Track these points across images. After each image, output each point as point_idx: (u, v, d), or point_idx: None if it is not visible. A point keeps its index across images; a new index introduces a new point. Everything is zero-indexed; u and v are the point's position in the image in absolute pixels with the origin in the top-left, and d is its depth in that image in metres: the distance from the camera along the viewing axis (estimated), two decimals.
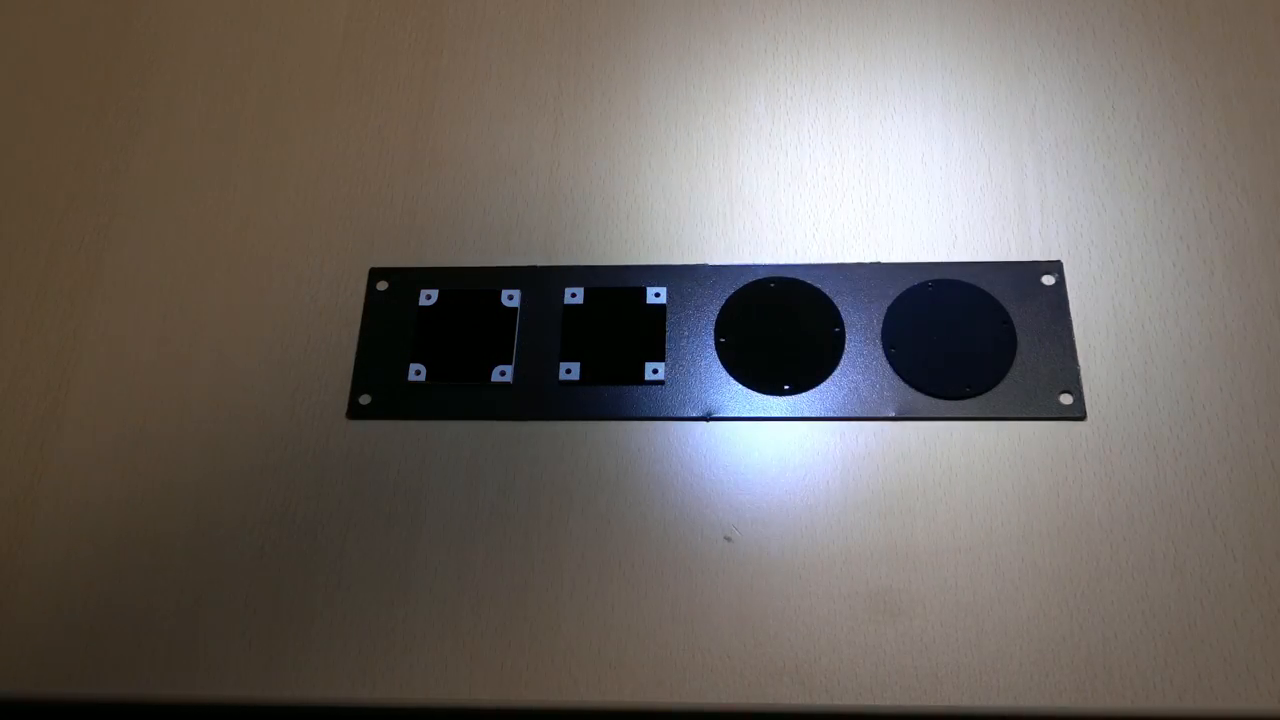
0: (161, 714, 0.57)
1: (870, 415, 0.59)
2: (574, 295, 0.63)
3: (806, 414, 0.59)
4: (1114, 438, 0.58)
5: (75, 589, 0.57)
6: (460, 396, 0.61)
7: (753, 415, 0.59)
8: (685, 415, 0.59)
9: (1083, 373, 0.59)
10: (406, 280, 0.64)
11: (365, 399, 0.61)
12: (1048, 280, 0.62)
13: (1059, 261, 0.62)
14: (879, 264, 0.63)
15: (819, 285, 0.62)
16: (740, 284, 0.63)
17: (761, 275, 0.63)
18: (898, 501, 0.57)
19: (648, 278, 0.63)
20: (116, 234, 0.66)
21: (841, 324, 0.61)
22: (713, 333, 0.61)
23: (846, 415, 0.59)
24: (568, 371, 0.61)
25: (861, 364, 0.60)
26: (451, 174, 0.67)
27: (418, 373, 0.61)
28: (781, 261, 0.63)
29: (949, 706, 0.52)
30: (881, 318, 0.61)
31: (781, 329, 0.61)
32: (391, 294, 0.63)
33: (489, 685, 0.54)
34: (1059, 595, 0.54)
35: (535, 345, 0.62)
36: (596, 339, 0.61)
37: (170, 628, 0.56)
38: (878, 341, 0.61)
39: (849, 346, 0.61)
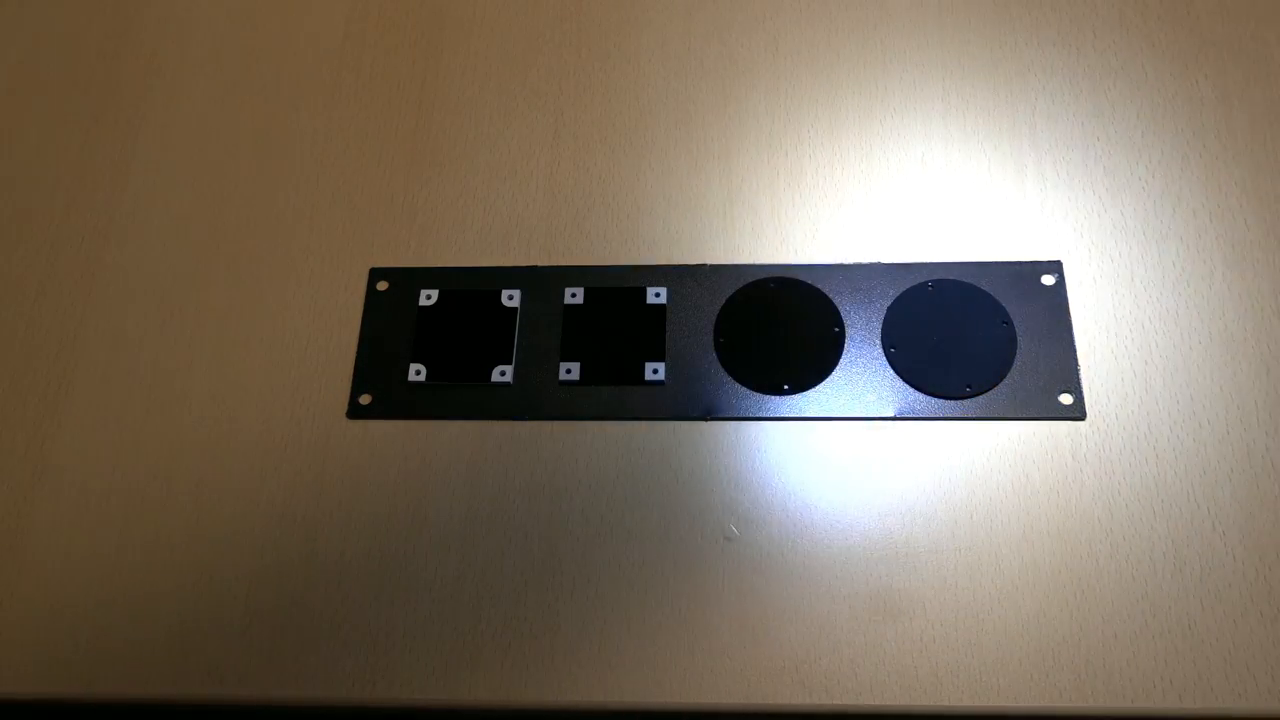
0: (161, 714, 0.57)
1: (870, 415, 0.59)
2: (574, 295, 0.63)
3: (806, 414, 0.59)
4: (1114, 438, 0.58)
5: (75, 589, 0.57)
6: (460, 396, 0.61)
7: (752, 415, 0.59)
8: (685, 415, 0.59)
9: (1083, 373, 0.59)
10: (406, 280, 0.64)
11: (365, 399, 0.61)
12: (1048, 280, 0.62)
13: (1059, 261, 0.62)
14: (879, 264, 0.63)
15: (819, 285, 0.62)
16: (740, 284, 0.62)
17: (761, 275, 0.63)
18: (898, 501, 0.57)
19: (648, 278, 0.63)
20: (116, 234, 0.66)
21: (841, 324, 0.61)
22: (713, 333, 0.61)
23: (846, 415, 0.59)
24: (568, 371, 0.61)
25: (861, 364, 0.60)
26: (451, 174, 0.67)
27: (418, 373, 0.61)
28: (781, 261, 0.63)
29: (949, 706, 0.52)
30: (881, 318, 0.61)
31: (781, 329, 0.61)
32: (391, 294, 0.63)
33: (489, 685, 0.54)
34: (1059, 595, 0.54)
35: (535, 345, 0.62)
36: (596, 339, 0.61)
37: (170, 628, 0.56)
38: (878, 341, 0.61)
39: (849, 346, 0.61)
